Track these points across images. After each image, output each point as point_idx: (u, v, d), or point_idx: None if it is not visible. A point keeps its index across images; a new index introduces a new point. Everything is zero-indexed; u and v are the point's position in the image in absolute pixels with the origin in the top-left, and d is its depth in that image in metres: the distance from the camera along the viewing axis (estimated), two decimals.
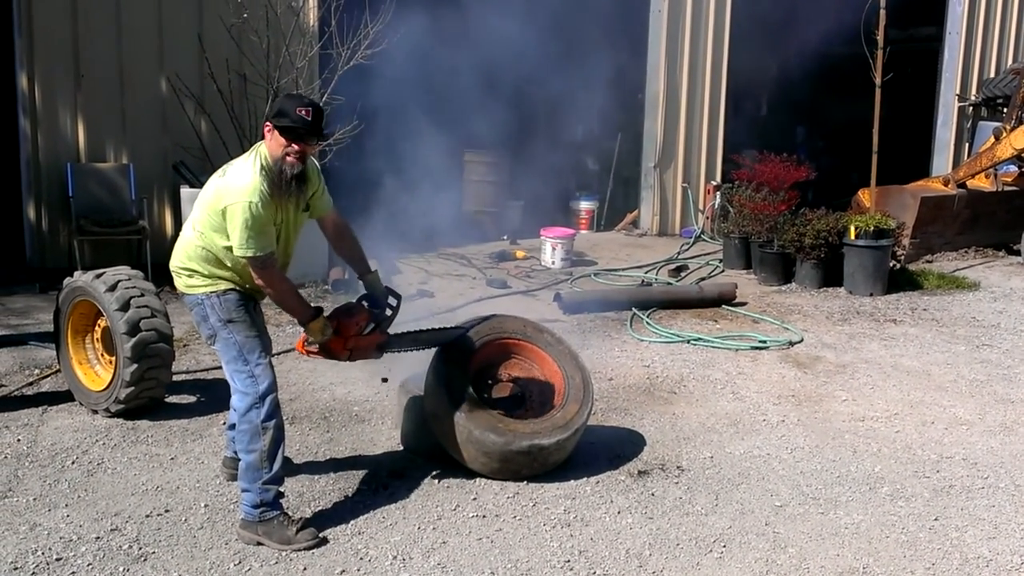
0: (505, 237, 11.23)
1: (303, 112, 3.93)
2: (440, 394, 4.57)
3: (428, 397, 4.69)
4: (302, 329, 4.19)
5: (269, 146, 3.98)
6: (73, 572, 3.76)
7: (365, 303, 4.42)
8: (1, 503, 4.32)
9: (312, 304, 4.25)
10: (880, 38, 9.04)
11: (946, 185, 10.76)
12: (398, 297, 4.51)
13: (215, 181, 4.05)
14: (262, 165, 3.94)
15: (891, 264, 9.16)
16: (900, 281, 9.20)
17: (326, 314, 4.21)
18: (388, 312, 4.46)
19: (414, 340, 4.72)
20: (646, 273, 9.80)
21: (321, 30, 9.13)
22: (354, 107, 8.49)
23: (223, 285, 4.09)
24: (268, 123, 3.98)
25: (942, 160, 12.84)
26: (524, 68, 11.65)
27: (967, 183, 10.69)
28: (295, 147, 3.94)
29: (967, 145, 12.91)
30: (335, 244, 4.50)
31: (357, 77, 8.76)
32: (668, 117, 11.85)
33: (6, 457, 4.83)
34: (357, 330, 4.30)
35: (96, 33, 8.75)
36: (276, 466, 4.05)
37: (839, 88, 14.88)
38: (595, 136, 13.76)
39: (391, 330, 4.51)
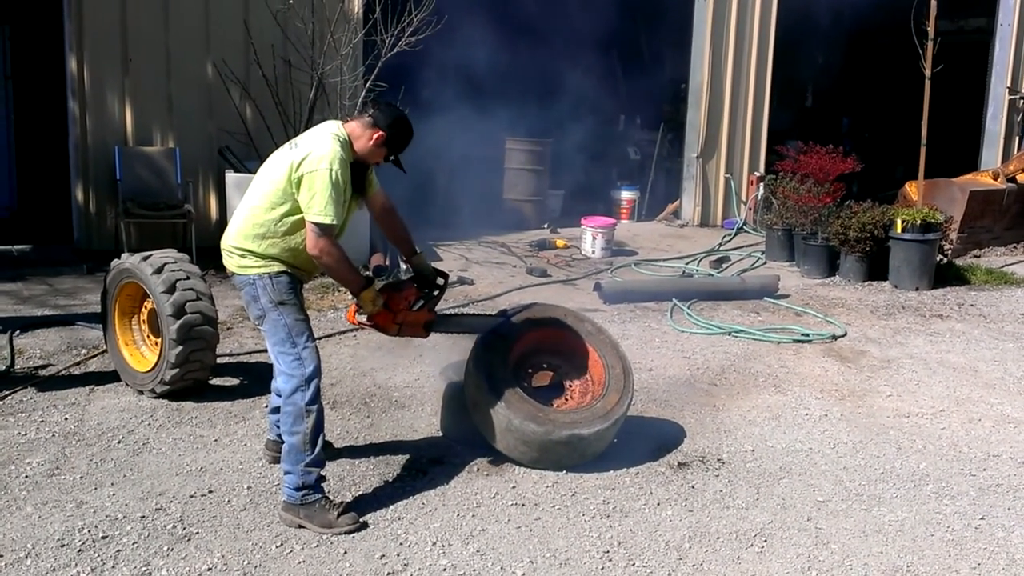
0: (546, 226, 11.21)
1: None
2: (480, 382, 4.58)
3: (468, 385, 4.71)
4: (353, 300, 4.29)
5: (363, 143, 4.12)
6: (119, 550, 3.81)
7: (414, 283, 4.52)
8: (49, 481, 4.40)
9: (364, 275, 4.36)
10: (931, 29, 8.89)
11: (995, 179, 10.59)
12: (445, 277, 4.64)
13: (286, 154, 4.10)
14: (341, 143, 4.05)
15: (938, 259, 9.02)
16: (947, 276, 9.07)
17: (376, 288, 4.29)
18: (435, 292, 4.57)
19: (458, 323, 4.89)
20: (687, 264, 9.74)
21: (365, 17, 9.16)
22: (396, 93, 8.53)
23: (276, 267, 4.12)
24: (378, 127, 4.10)
25: (991, 154, 12.61)
26: (567, 57, 11.61)
27: (1017, 177, 10.50)
28: (384, 158, 4.24)
29: (1017, 139, 12.67)
30: (382, 224, 4.58)
31: (399, 63, 8.79)
32: (712, 107, 11.74)
33: (54, 435, 4.91)
34: (406, 305, 4.41)
35: (143, 18, 8.85)
36: (317, 448, 4.09)
37: (886, 79, 14.68)
38: (637, 126, 13.70)
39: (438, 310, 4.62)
